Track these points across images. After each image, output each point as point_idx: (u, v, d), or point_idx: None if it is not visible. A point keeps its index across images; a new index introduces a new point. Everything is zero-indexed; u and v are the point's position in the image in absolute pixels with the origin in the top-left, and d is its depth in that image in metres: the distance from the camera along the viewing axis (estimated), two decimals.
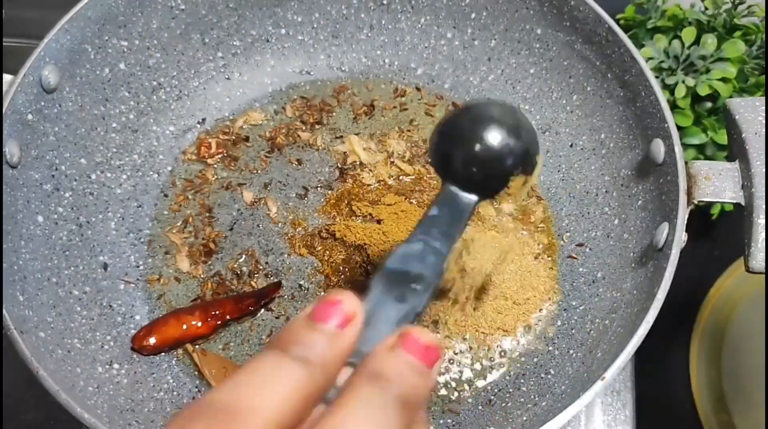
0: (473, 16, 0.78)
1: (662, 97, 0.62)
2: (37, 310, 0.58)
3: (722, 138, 0.76)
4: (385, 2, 0.79)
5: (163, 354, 0.66)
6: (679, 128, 0.66)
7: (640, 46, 0.79)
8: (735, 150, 0.59)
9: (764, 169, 0.55)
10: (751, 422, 0.75)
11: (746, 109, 0.58)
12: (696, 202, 0.57)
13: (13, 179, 0.60)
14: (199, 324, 0.65)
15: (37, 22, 0.84)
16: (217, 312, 0.65)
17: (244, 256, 0.71)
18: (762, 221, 0.54)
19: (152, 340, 0.64)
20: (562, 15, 0.71)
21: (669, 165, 0.60)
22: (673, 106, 0.76)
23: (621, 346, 0.54)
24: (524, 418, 0.61)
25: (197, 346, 0.66)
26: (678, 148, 0.59)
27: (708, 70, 0.75)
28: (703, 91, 0.74)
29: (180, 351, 0.66)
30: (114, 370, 0.62)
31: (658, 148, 0.61)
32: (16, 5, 0.93)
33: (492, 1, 0.76)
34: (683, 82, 0.75)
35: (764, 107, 0.58)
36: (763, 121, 0.57)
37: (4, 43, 0.89)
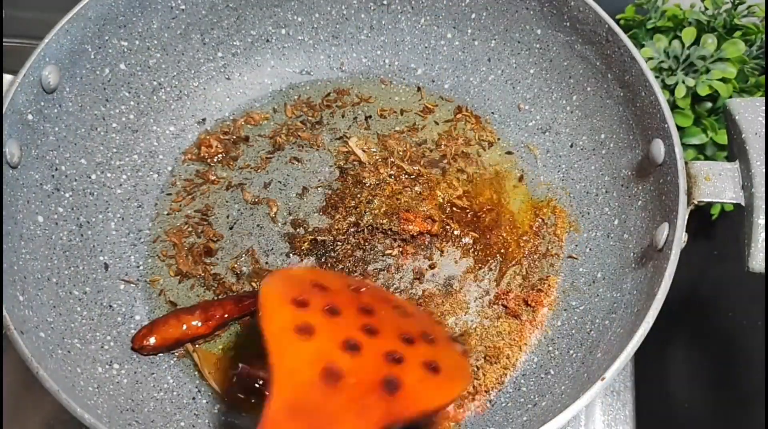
0: (473, 16, 0.78)
1: (662, 97, 0.62)
2: (38, 310, 0.58)
3: (722, 138, 0.75)
4: (385, 3, 0.79)
5: (163, 354, 0.66)
6: (679, 128, 0.66)
7: (640, 46, 0.79)
8: (735, 150, 0.59)
9: (764, 170, 0.55)
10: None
11: (746, 110, 0.58)
12: (696, 202, 0.57)
13: (13, 179, 0.60)
14: (199, 324, 0.65)
15: (37, 22, 0.84)
16: (217, 312, 0.65)
17: (244, 256, 0.71)
18: (762, 221, 0.54)
19: (152, 340, 0.64)
20: (562, 15, 0.71)
21: (669, 165, 0.60)
22: (673, 106, 0.76)
23: (621, 346, 0.54)
24: (524, 418, 0.61)
25: (197, 346, 0.66)
26: (678, 149, 0.59)
27: (708, 70, 0.75)
28: (703, 91, 0.74)
29: (180, 351, 0.66)
30: (114, 370, 0.62)
31: (658, 148, 0.61)
32: (16, 5, 0.93)
33: (492, 1, 0.76)
34: (683, 82, 0.75)
35: (764, 107, 0.58)
36: (763, 122, 0.57)
37: (4, 43, 0.89)
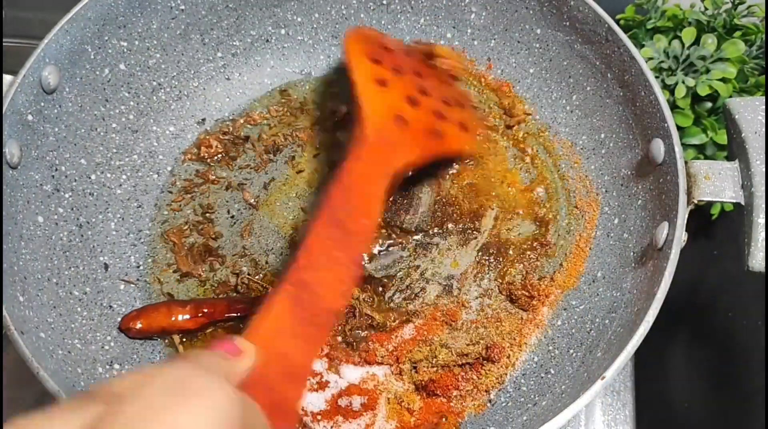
0: (472, 16, 0.78)
1: (662, 97, 0.62)
2: (38, 310, 0.58)
3: (722, 138, 0.75)
4: (384, 2, 0.79)
5: (164, 360, 0.66)
6: (679, 128, 0.66)
7: (640, 46, 0.79)
8: (734, 149, 0.59)
9: (764, 169, 0.55)
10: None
11: (746, 109, 0.58)
12: (696, 201, 0.57)
13: (13, 180, 0.60)
14: (188, 317, 0.65)
15: (37, 22, 0.84)
16: (207, 310, 0.66)
17: (244, 257, 0.71)
18: (762, 220, 0.54)
19: (139, 324, 0.65)
20: (562, 15, 0.71)
21: (669, 164, 0.60)
22: (673, 107, 0.76)
23: (621, 345, 0.54)
24: (524, 418, 0.61)
25: (185, 340, 0.66)
26: (678, 148, 0.59)
27: (708, 70, 0.75)
28: (703, 91, 0.74)
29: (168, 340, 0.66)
30: (115, 370, 0.62)
31: (658, 147, 0.61)
32: (16, 5, 0.93)
33: (491, 1, 0.76)
34: (683, 82, 0.75)
35: (764, 107, 0.58)
36: (763, 121, 0.57)
37: (4, 43, 0.89)
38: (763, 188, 0.55)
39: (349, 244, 0.55)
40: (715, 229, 0.83)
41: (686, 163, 0.59)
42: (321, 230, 0.55)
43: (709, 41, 0.76)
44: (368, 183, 0.59)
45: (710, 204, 0.80)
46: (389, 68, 0.67)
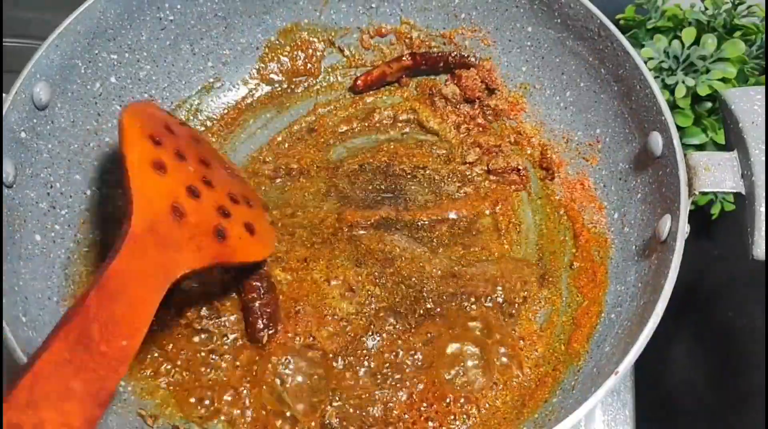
0: (462, 16, 0.78)
1: (658, 90, 0.62)
2: (40, 330, 0.57)
3: (722, 138, 0.76)
4: (374, 5, 0.79)
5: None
6: (679, 128, 0.66)
7: (640, 46, 0.79)
8: (732, 140, 0.59)
9: (764, 158, 0.56)
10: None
11: (742, 99, 0.58)
12: (697, 192, 0.57)
13: (9, 199, 0.59)
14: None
15: (37, 22, 0.83)
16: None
17: None
18: (764, 209, 0.55)
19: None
20: (553, 12, 0.71)
21: (668, 157, 0.60)
22: (673, 106, 0.76)
23: (630, 339, 0.54)
24: (535, 416, 0.61)
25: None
26: (676, 140, 0.59)
27: (708, 70, 0.75)
28: (703, 91, 0.74)
29: None
30: (120, 387, 0.61)
31: (656, 141, 0.61)
32: (16, 5, 0.92)
33: (481, 1, 0.76)
34: (683, 82, 0.75)
35: (760, 97, 0.58)
36: (759, 110, 0.57)
37: (4, 43, 0.88)
38: (764, 177, 0.55)
39: (93, 373, 0.43)
40: (716, 229, 0.83)
41: (685, 155, 0.59)
42: (60, 350, 0.43)
43: (709, 41, 0.76)
44: (138, 290, 0.48)
45: (711, 204, 0.81)
46: (171, 151, 0.59)
